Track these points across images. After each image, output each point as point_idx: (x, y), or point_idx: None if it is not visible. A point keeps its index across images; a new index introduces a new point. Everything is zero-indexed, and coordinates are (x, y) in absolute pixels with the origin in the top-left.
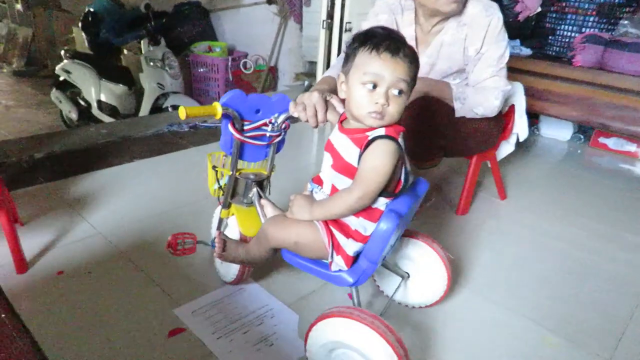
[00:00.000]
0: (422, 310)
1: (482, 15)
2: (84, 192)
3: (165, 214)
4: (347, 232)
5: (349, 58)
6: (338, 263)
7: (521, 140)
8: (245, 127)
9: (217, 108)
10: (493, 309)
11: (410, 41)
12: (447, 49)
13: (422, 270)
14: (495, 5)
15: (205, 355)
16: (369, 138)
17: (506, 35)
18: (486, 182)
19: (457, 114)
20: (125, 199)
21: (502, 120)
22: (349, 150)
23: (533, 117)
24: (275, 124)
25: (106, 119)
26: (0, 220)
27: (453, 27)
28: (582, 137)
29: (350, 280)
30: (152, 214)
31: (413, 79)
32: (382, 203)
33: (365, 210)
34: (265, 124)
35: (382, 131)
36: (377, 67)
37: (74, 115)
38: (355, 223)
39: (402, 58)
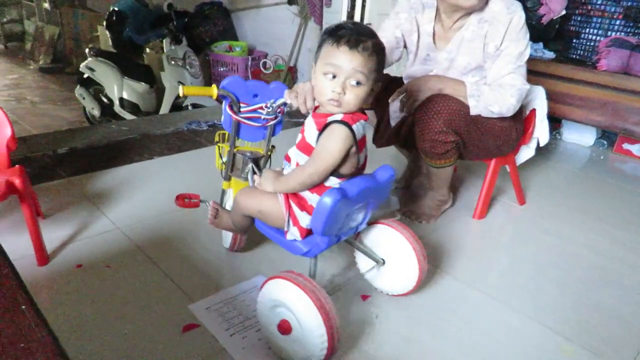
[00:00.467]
0: (437, 314)
1: (503, 12)
2: (104, 187)
3: (182, 211)
4: (303, 206)
5: (319, 49)
6: (293, 233)
7: (542, 145)
8: (242, 109)
9: (214, 89)
10: (510, 314)
11: (428, 37)
12: (467, 45)
13: (395, 258)
14: (518, 4)
15: (218, 352)
16: (327, 121)
17: (527, 34)
18: (505, 186)
19: (472, 112)
20: (143, 195)
21: (522, 123)
22: (310, 131)
23: (555, 122)
24: (271, 109)
25: (128, 116)
26: (24, 214)
27: (474, 23)
28: (605, 142)
29: (304, 249)
30: (170, 210)
31: (374, 71)
32: (335, 182)
33: (319, 187)
34: (261, 108)
35: (339, 117)
36: (336, 59)
37: (96, 112)
38: (311, 198)
39: (361, 51)
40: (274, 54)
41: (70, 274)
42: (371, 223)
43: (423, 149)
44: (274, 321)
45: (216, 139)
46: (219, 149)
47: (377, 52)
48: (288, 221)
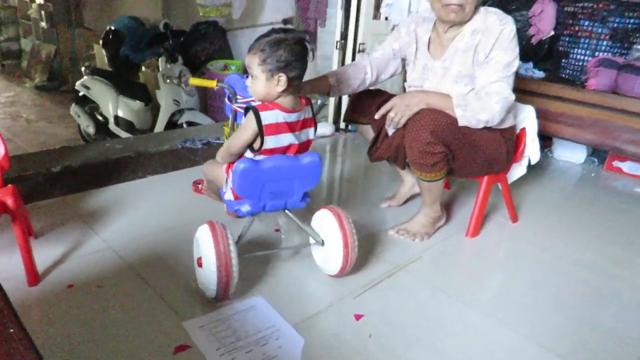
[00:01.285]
0: (433, 333)
1: (496, 23)
2: (97, 206)
3: (176, 229)
4: None
5: None
6: (228, 194)
7: (533, 163)
8: (238, 100)
9: (215, 82)
10: (506, 333)
11: (424, 47)
12: (461, 54)
13: (330, 241)
14: (510, 18)
15: None
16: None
17: (517, 47)
18: (497, 204)
19: (461, 123)
20: (137, 214)
21: (513, 142)
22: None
23: (546, 140)
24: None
25: (123, 134)
26: (15, 233)
27: (467, 34)
28: (596, 160)
29: (234, 207)
30: (163, 229)
31: (262, 63)
32: (249, 155)
33: (242, 158)
34: (254, 100)
35: (255, 104)
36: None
37: (91, 130)
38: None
39: (253, 54)
40: None
41: (61, 294)
42: (323, 208)
43: (412, 160)
44: (196, 255)
45: (224, 125)
46: (225, 131)
47: (263, 49)
48: (226, 183)
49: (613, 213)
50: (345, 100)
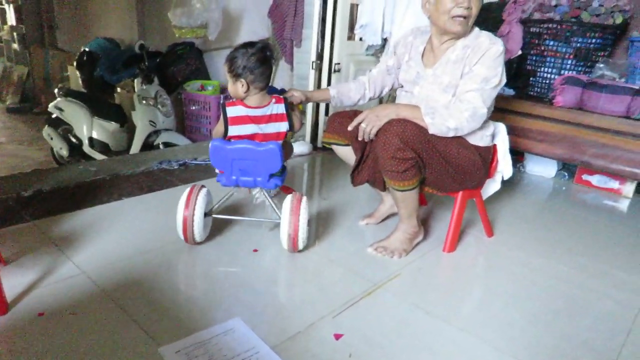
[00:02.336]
0: (411, 349)
1: (486, 42)
2: (70, 230)
3: (151, 253)
4: None
5: None
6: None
7: (505, 178)
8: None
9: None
10: (484, 348)
11: (418, 56)
12: (451, 65)
13: (284, 217)
14: (500, 40)
15: None
16: None
17: (500, 67)
18: (474, 219)
19: (431, 130)
20: (111, 238)
21: (487, 161)
22: None
23: (519, 155)
24: None
25: (97, 156)
26: None
27: (459, 48)
28: (566, 174)
29: (217, 179)
30: (138, 252)
31: (229, 72)
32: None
33: None
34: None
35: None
36: None
37: (64, 152)
38: None
39: (224, 64)
40: None
41: (31, 323)
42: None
43: (384, 168)
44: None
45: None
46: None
47: (229, 59)
48: None
49: (584, 226)
50: (322, 120)
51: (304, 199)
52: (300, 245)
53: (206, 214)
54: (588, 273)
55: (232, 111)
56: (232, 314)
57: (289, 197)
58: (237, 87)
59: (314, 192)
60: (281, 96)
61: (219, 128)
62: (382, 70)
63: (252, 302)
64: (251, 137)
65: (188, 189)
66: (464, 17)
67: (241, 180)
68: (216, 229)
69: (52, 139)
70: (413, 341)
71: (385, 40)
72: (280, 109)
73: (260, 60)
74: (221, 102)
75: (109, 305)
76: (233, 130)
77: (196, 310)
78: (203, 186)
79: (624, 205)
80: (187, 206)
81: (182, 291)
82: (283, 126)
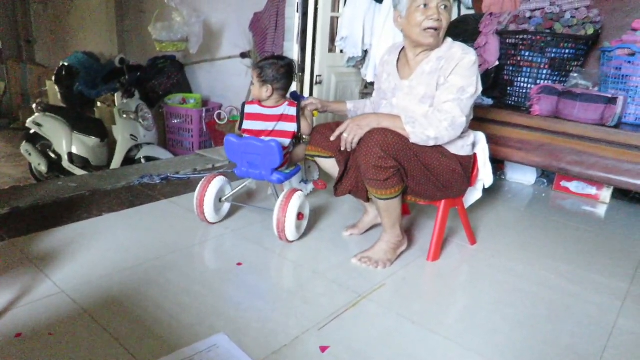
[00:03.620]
0: (397, 359)
1: (458, 52)
2: (48, 248)
3: (132, 269)
4: None
5: None
6: None
7: (487, 187)
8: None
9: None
10: (469, 356)
11: (393, 69)
12: (426, 77)
13: (275, 209)
14: (473, 50)
15: None
16: None
17: (474, 76)
18: (457, 227)
19: (412, 140)
20: (91, 255)
21: (469, 170)
22: None
23: (499, 163)
24: None
25: (77, 171)
26: None
27: (433, 60)
28: (545, 181)
29: (233, 170)
30: (119, 269)
31: (259, 77)
32: (239, 133)
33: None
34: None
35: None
36: None
37: (43, 168)
38: None
39: (254, 69)
40: (228, 105)
41: (8, 345)
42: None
43: (366, 177)
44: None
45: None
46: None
47: (261, 67)
48: None
49: (564, 231)
50: None
51: (298, 193)
52: (289, 236)
53: (220, 200)
54: (569, 278)
55: (249, 108)
56: (216, 330)
57: (286, 189)
58: (262, 91)
59: None
60: (295, 101)
61: (237, 123)
62: (377, 96)
63: (236, 316)
64: (259, 133)
65: (207, 176)
66: (435, 29)
67: (250, 172)
68: (201, 242)
69: (30, 154)
70: (399, 351)
71: (365, 52)
72: (292, 111)
73: (288, 72)
74: (203, 115)
75: (89, 324)
76: (247, 125)
77: (179, 327)
78: (221, 174)
79: (601, 210)
80: (203, 190)
81: (164, 308)
82: (291, 127)
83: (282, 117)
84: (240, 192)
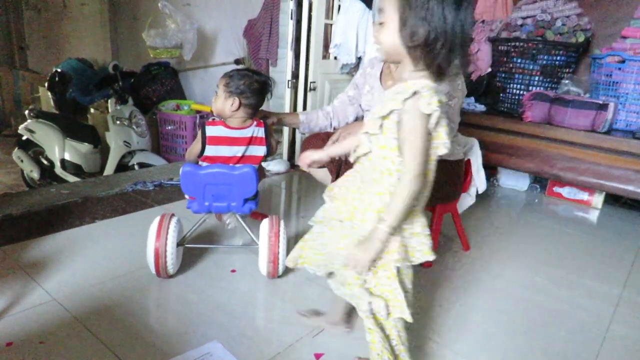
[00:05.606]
0: None
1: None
2: (40, 256)
3: (124, 277)
4: None
5: None
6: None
7: (480, 192)
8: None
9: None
10: None
11: (376, 81)
12: None
13: (262, 242)
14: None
15: None
16: None
17: (458, 81)
18: (451, 233)
19: None
20: (83, 262)
21: (459, 173)
22: None
23: (492, 169)
24: None
25: (70, 178)
26: None
27: None
28: (538, 186)
29: (188, 206)
30: (111, 277)
31: (226, 86)
32: (198, 161)
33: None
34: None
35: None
36: None
37: (35, 175)
38: None
39: (222, 77)
40: None
41: None
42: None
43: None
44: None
45: None
46: None
47: (230, 75)
48: None
49: (556, 237)
50: (299, 138)
51: (282, 222)
52: (280, 271)
53: (178, 244)
54: (561, 284)
55: (212, 131)
56: (209, 338)
57: (265, 221)
58: (226, 104)
59: (292, 210)
60: (261, 120)
61: (193, 148)
62: (343, 101)
63: (229, 324)
64: (226, 160)
65: (157, 219)
66: None
67: (214, 206)
68: (189, 251)
69: (22, 161)
70: None
71: (359, 59)
72: (261, 132)
73: (260, 90)
74: (197, 121)
75: (81, 333)
76: (210, 150)
77: (171, 335)
78: (173, 215)
79: (593, 216)
80: (158, 237)
81: (157, 316)
82: (261, 150)
83: (252, 140)
84: (197, 231)
